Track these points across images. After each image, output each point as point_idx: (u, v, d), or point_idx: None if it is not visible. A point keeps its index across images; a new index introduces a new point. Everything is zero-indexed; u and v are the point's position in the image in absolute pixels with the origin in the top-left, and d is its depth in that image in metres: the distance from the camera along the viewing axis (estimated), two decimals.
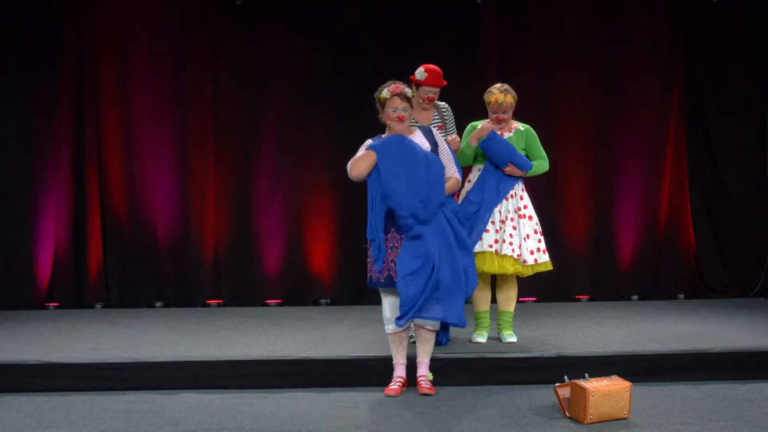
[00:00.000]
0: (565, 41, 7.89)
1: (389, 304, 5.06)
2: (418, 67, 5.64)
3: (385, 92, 5.01)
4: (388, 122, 5.05)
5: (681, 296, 7.90)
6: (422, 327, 5.05)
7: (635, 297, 7.88)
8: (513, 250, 5.50)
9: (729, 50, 7.91)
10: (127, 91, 7.73)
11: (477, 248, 5.49)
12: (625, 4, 7.93)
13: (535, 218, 5.64)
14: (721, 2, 7.75)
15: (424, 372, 5.09)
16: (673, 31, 7.95)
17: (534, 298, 7.73)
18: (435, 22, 7.75)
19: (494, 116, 5.62)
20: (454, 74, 7.00)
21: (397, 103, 4.98)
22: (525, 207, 5.62)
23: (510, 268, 5.52)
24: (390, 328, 5.05)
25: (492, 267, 5.51)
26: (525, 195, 5.65)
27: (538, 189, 7.32)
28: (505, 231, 5.53)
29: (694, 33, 7.93)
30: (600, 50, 7.91)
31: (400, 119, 5.00)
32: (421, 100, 5.65)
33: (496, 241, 5.53)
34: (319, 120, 7.80)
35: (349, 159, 5.03)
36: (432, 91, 5.67)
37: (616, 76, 7.94)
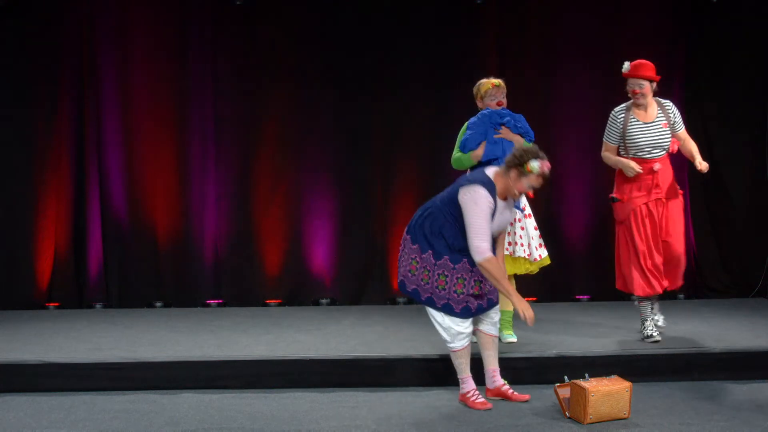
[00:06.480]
0: (565, 41, 7.88)
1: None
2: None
3: (535, 166, 4.72)
4: (518, 190, 4.81)
5: (681, 296, 7.88)
6: (489, 334, 4.95)
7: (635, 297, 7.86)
8: (525, 251, 5.58)
9: (729, 49, 7.90)
10: (127, 90, 7.72)
11: None
12: (625, 3, 7.92)
13: (532, 214, 5.74)
14: (721, 1, 7.74)
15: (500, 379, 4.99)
16: (673, 30, 7.93)
17: (534, 298, 7.73)
18: (435, 22, 7.74)
19: (494, 103, 5.60)
20: (454, 74, 7.03)
21: (540, 181, 4.80)
22: (526, 205, 5.70)
23: (522, 269, 5.61)
24: (464, 342, 4.83)
25: (509, 270, 5.53)
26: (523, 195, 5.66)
27: (537, 189, 7.32)
28: (515, 233, 5.58)
29: (695, 32, 7.92)
30: (600, 50, 7.88)
31: (531, 196, 5.14)
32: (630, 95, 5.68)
33: (510, 244, 5.58)
34: (320, 119, 7.77)
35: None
36: (635, 84, 5.66)
37: (616, 75, 7.90)
